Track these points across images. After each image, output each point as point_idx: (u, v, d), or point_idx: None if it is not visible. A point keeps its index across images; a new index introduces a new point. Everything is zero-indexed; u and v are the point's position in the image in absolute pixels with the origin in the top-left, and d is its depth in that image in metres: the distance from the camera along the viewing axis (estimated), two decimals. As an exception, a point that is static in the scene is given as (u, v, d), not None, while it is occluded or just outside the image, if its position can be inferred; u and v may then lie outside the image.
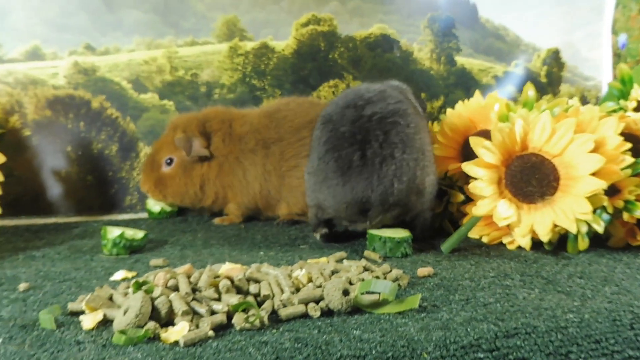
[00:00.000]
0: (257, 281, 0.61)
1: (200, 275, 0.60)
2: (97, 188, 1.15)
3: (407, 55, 1.26)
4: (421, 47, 1.27)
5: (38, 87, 1.11)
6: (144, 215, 1.12)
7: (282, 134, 1.02)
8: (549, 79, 1.36)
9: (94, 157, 1.15)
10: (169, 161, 1.03)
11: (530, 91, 0.87)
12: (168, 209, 1.08)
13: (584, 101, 1.39)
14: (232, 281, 0.60)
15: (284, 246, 0.88)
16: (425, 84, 1.26)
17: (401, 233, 0.81)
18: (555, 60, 1.35)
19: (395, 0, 1.25)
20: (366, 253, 0.80)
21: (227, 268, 0.63)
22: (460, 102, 0.99)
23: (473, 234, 0.85)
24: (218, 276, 0.61)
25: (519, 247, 0.82)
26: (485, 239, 0.85)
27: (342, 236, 0.90)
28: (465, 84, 1.30)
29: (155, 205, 1.08)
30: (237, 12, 1.18)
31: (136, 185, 1.16)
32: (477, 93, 0.98)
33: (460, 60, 1.29)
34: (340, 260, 0.77)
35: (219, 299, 0.56)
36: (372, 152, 0.77)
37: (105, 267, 0.76)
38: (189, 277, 0.60)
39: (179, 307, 0.52)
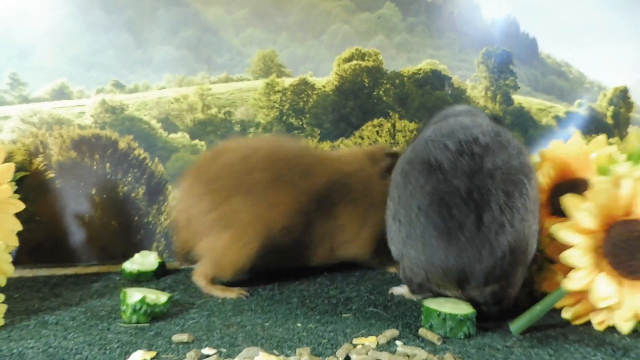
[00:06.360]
0: (297, 382, 0.50)
1: (229, 375, 0.50)
2: (121, 234, 1.07)
3: (460, 93, 1.15)
4: (475, 85, 1.16)
5: (63, 127, 1.04)
6: (172, 263, 1.03)
7: None
8: (616, 120, 1.23)
9: (119, 200, 1.07)
10: None
11: (638, 141, 0.73)
12: (142, 269, 0.92)
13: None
14: (267, 381, 0.50)
15: (324, 315, 0.77)
16: (479, 124, 1.15)
17: (463, 308, 0.69)
18: (623, 100, 1.22)
19: (447, 34, 1.15)
20: (422, 332, 0.68)
21: (261, 362, 0.53)
22: (554, 141, 0.86)
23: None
24: (250, 374, 0.51)
25: (607, 328, 0.70)
26: (567, 315, 0.72)
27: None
28: (523, 125, 1.18)
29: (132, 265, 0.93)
30: (274, 46, 1.10)
31: (164, 232, 1.08)
32: (578, 134, 0.84)
33: (517, 98, 1.18)
34: (392, 341, 0.66)
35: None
36: (491, 217, 0.65)
37: (121, 342, 0.66)
38: (215, 376, 0.50)
39: None
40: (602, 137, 0.81)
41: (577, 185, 0.79)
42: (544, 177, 0.82)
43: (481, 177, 0.66)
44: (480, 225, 0.65)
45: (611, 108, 1.21)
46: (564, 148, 0.84)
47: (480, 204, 0.65)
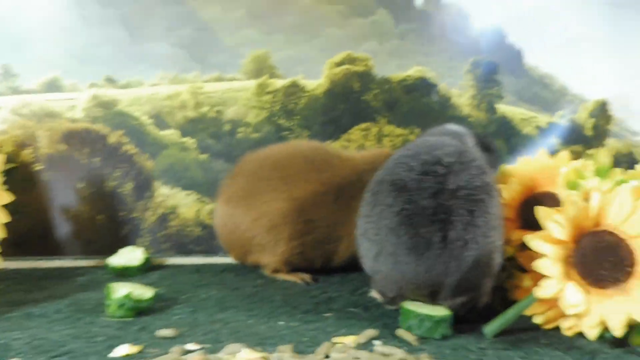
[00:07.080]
0: (277, 378, 0.52)
1: (212, 369, 0.52)
2: (107, 229, 1.08)
3: (446, 101, 1.18)
4: (461, 93, 1.19)
5: (55, 120, 1.05)
6: (157, 259, 1.04)
7: None
8: (595, 132, 1.26)
9: (106, 195, 1.08)
10: None
11: (605, 157, 0.77)
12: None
13: (631, 159, 1.29)
14: (248, 377, 0.52)
15: (307, 313, 0.79)
16: (464, 131, 1.18)
17: (440, 310, 0.72)
18: (602, 112, 1.26)
19: (437, 42, 1.17)
20: (399, 332, 0.71)
21: (244, 359, 0.54)
22: (519, 158, 0.90)
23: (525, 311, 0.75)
24: (233, 369, 0.53)
25: (576, 334, 0.72)
26: (539, 320, 0.74)
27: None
28: (505, 133, 1.21)
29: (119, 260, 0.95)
30: (268, 48, 1.11)
31: (149, 227, 1.09)
32: (543, 151, 0.88)
33: (501, 108, 1.21)
34: (370, 341, 0.68)
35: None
36: (455, 234, 0.68)
37: (107, 336, 0.67)
38: (199, 370, 0.52)
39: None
40: (565, 153, 0.85)
41: (544, 199, 0.82)
42: (511, 193, 0.86)
43: (445, 197, 0.70)
44: (447, 243, 0.68)
45: (591, 120, 1.25)
46: (530, 164, 0.88)
47: (446, 223, 0.69)
